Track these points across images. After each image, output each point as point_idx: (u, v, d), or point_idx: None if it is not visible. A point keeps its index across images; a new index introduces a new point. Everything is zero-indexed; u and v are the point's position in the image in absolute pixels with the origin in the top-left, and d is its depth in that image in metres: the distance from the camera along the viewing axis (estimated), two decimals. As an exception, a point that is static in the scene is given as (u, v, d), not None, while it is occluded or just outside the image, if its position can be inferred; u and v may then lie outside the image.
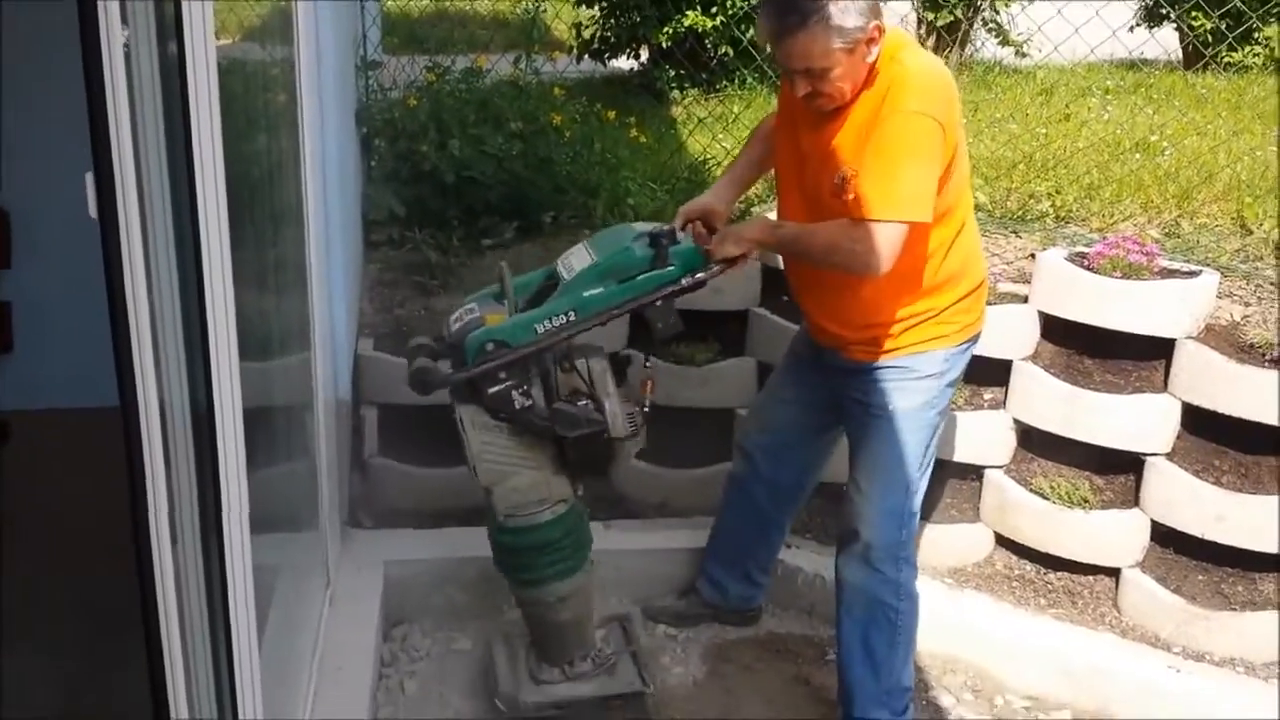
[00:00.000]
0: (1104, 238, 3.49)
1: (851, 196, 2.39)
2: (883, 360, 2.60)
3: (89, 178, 1.42)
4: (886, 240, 2.34)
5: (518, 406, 2.54)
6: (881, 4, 2.40)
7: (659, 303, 2.54)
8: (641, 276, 2.53)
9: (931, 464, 2.72)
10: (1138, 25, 6.95)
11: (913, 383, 2.59)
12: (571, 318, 2.52)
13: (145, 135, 1.49)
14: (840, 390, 2.71)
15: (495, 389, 2.53)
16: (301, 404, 2.85)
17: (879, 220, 2.33)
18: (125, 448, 1.55)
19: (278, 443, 2.55)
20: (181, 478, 1.69)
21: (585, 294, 2.54)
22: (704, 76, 6.20)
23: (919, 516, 2.76)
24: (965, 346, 2.67)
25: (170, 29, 1.56)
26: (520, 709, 2.79)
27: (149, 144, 1.51)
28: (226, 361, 1.78)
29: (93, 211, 1.43)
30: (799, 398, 2.89)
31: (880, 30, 2.37)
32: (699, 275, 2.56)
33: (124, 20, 1.40)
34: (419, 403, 3.41)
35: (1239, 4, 5.67)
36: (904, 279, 2.49)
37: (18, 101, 3.61)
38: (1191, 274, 3.26)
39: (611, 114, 4.80)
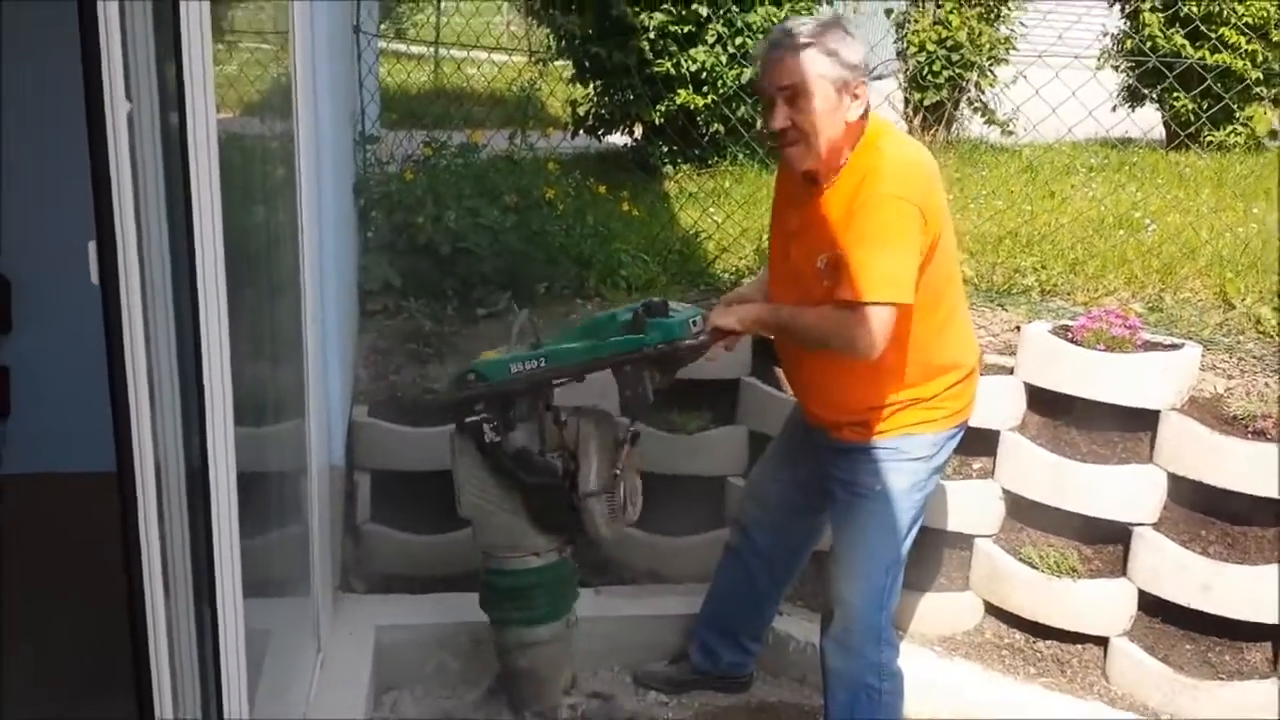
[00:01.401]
0: (1088, 311, 3.55)
1: (833, 283, 2.43)
2: (871, 441, 2.62)
3: (91, 246, 1.46)
4: (877, 323, 2.37)
5: (487, 439, 2.67)
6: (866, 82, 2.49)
7: (629, 368, 2.58)
8: (612, 339, 2.60)
9: (909, 545, 2.72)
10: (1120, 105, 7.10)
11: (900, 464, 2.61)
12: (542, 364, 2.64)
13: (147, 205, 1.54)
14: (826, 470, 2.73)
15: (470, 419, 2.66)
16: (295, 469, 2.88)
17: (867, 303, 2.37)
18: (121, 510, 1.58)
19: (271, 507, 2.58)
20: (175, 541, 1.71)
21: (561, 346, 2.65)
22: (696, 153, 6.33)
23: (899, 595, 2.76)
24: (954, 433, 2.70)
25: (172, 101, 1.61)
26: None
27: (150, 213, 1.56)
28: (221, 427, 1.82)
29: (94, 278, 1.48)
30: (793, 477, 2.92)
31: (864, 88, 2.45)
32: (679, 344, 2.57)
33: (127, 94, 1.45)
34: (412, 469, 3.47)
35: (1214, 86, 5.83)
36: (893, 362, 2.51)
37: (19, 169, 3.68)
38: (1174, 347, 3.32)
39: (603, 188, 4.90)
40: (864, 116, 2.50)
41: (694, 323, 2.61)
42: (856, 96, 2.45)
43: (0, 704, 2.76)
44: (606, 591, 3.46)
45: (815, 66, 2.42)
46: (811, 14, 5.81)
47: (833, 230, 2.46)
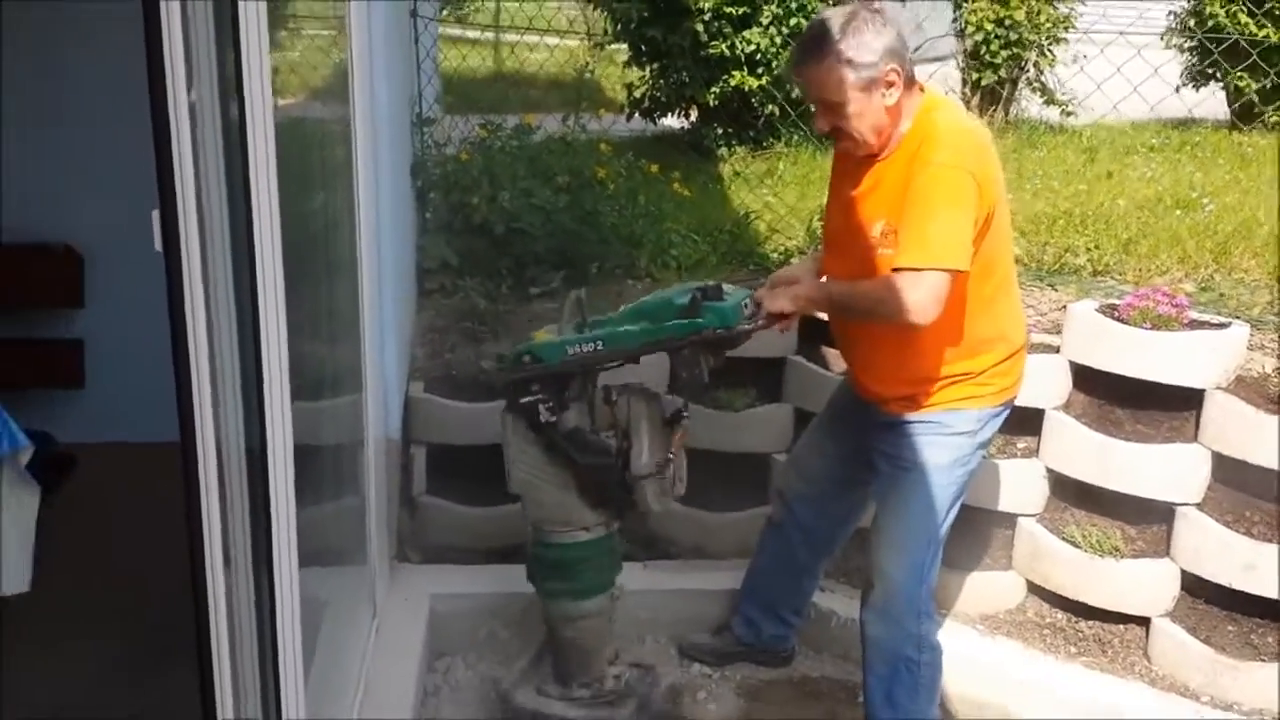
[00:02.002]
0: (1136, 291, 3.54)
1: (891, 251, 2.48)
2: (917, 415, 2.66)
3: (155, 214, 1.55)
4: (929, 289, 2.41)
5: (542, 420, 2.71)
6: (910, 58, 2.52)
7: (686, 351, 2.64)
8: (670, 323, 2.63)
9: (951, 521, 2.76)
10: (1184, 86, 6.99)
11: (944, 438, 2.65)
12: (599, 347, 2.67)
13: (208, 190, 1.61)
14: (871, 444, 2.77)
15: (526, 399, 2.71)
16: (352, 443, 2.99)
17: (919, 269, 2.41)
18: (184, 482, 1.67)
19: (329, 479, 2.68)
20: (235, 512, 1.79)
21: (618, 329, 2.69)
22: (751, 135, 6.35)
23: (939, 568, 2.80)
24: (1000, 410, 2.72)
25: (232, 88, 1.70)
26: (508, 705, 2.96)
27: (211, 196, 1.63)
28: (279, 402, 1.90)
29: (158, 245, 1.56)
30: (837, 451, 2.96)
31: (899, 74, 2.48)
32: (735, 328, 2.62)
33: (189, 85, 1.53)
34: (466, 442, 3.57)
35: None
36: (943, 335, 2.55)
37: (90, 150, 3.84)
38: (1221, 326, 3.31)
39: (655, 167, 4.95)
40: (910, 88, 2.53)
41: (745, 305, 2.66)
42: (891, 84, 2.49)
43: (66, 666, 2.91)
44: (653, 565, 3.54)
45: (834, 75, 2.47)
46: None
47: (889, 199, 2.51)
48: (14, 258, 4.01)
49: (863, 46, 2.46)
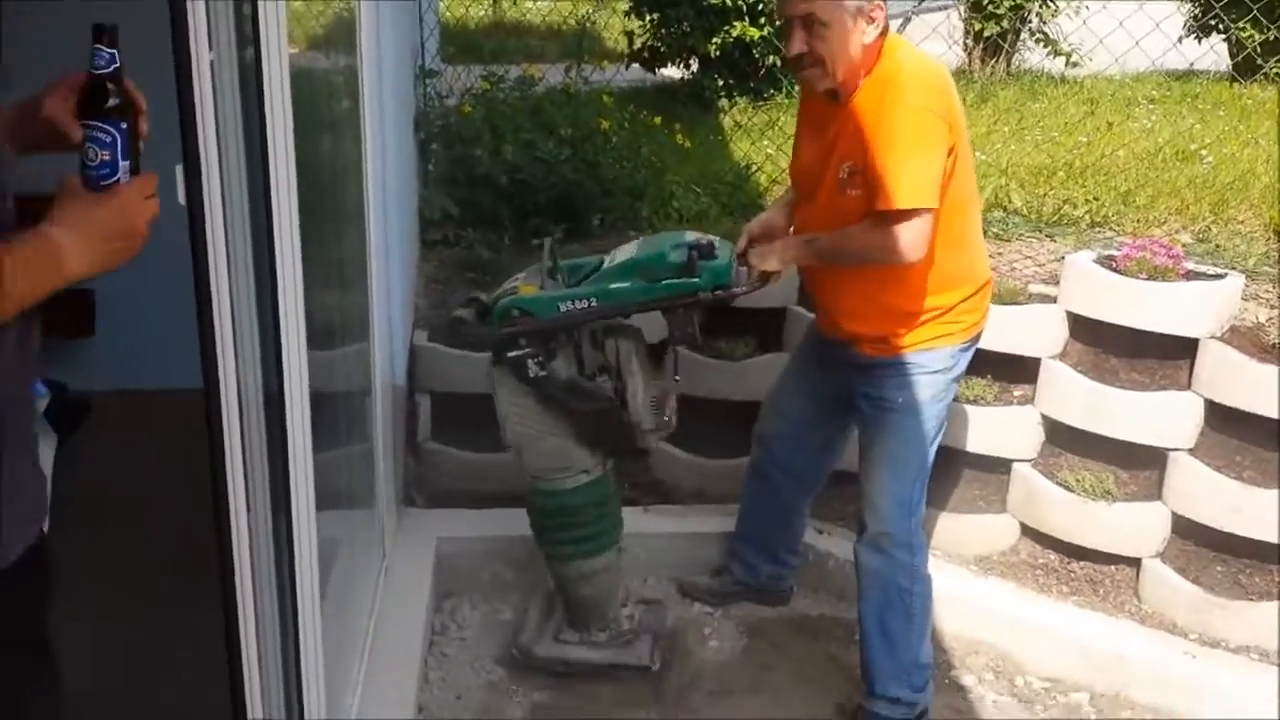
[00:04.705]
0: (1133, 241, 3.59)
1: (858, 191, 2.55)
2: (892, 356, 2.74)
3: (179, 169, 1.59)
4: (917, 229, 2.49)
5: (531, 375, 2.73)
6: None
7: (680, 310, 2.68)
8: (665, 281, 2.66)
9: (934, 453, 2.84)
10: (1186, 36, 6.97)
11: (921, 378, 2.73)
12: (592, 304, 2.69)
13: (227, 145, 1.64)
14: (850, 385, 2.84)
15: (514, 354, 2.73)
16: (361, 390, 3.05)
17: (904, 210, 2.48)
18: (208, 427, 1.72)
19: (339, 426, 2.73)
20: (255, 456, 1.82)
21: (611, 286, 2.69)
22: (751, 85, 6.35)
23: (924, 502, 2.88)
24: (969, 344, 2.80)
25: (249, 40, 1.73)
26: (532, 659, 3.04)
27: (229, 151, 1.66)
28: (296, 349, 1.94)
29: (181, 199, 1.60)
30: (810, 390, 3.04)
31: (881, 10, 2.53)
32: (726, 290, 2.68)
33: (210, 43, 1.57)
34: (470, 391, 3.63)
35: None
36: (915, 271, 2.62)
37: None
38: (1216, 277, 3.36)
39: (657, 119, 4.97)
40: (883, 34, 2.58)
41: (732, 261, 2.71)
42: (873, 20, 2.53)
43: (96, 610, 2.97)
44: (655, 510, 3.61)
45: None
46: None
47: (856, 140, 2.56)
48: (27, 208, 4.03)
49: None
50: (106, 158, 1.38)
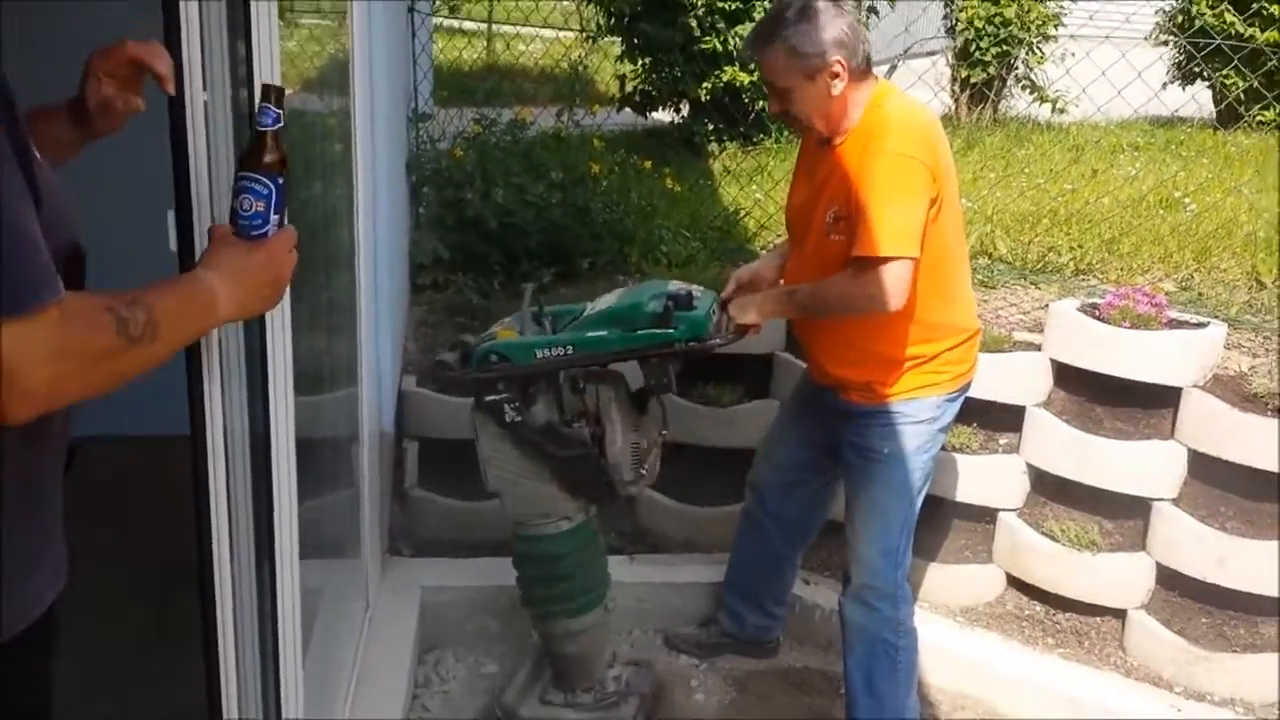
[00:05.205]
0: (1117, 289, 3.62)
1: (842, 237, 2.57)
2: (878, 404, 2.74)
3: (170, 214, 1.59)
4: (895, 277, 2.50)
5: (508, 419, 2.73)
6: (865, 50, 2.60)
7: (655, 360, 2.66)
8: (641, 331, 2.65)
9: (920, 504, 2.84)
10: (1170, 83, 7.07)
11: (906, 427, 2.73)
12: (569, 351, 2.68)
13: (218, 180, 1.66)
14: (837, 434, 2.85)
15: (491, 398, 2.72)
16: (348, 436, 3.04)
17: (883, 257, 2.49)
18: (193, 475, 1.71)
19: (325, 473, 2.72)
20: (239, 504, 1.82)
21: (588, 334, 2.69)
22: (740, 130, 6.41)
23: (911, 555, 2.87)
24: (956, 395, 2.81)
25: (243, 81, 1.74)
26: (515, 719, 2.98)
27: (221, 188, 1.67)
28: (283, 395, 1.94)
29: (173, 245, 1.61)
30: (802, 438, 3.04)
31: (844, 65, 2.55)
32: (702, 342, 2.66)
33: (204, 84, 1.58)
34: (457, 437, 3.62)
35: (1275, 64, 5.77)
36: (898, 318, 2.62)
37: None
38: (1199, 325, 3.39)
39: (647, 163, 5.01)
40: (862, 78, 2.60)
41: (713, 310, 2.71)
42: (836, 75, 2.56)
43: (75, 655, 2.95)
44: (640, 559, 3.60)
45: (780, 63, 2.57)
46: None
47: (841, 185, 2.59)
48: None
49: (809, 36, 2.53)
50: (260, 209, 1.43)
